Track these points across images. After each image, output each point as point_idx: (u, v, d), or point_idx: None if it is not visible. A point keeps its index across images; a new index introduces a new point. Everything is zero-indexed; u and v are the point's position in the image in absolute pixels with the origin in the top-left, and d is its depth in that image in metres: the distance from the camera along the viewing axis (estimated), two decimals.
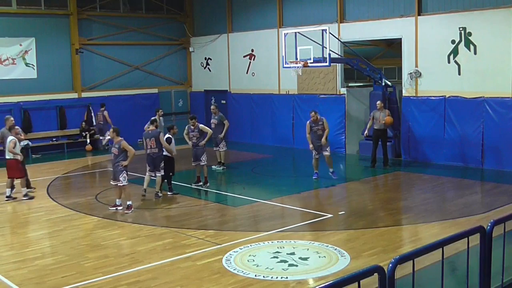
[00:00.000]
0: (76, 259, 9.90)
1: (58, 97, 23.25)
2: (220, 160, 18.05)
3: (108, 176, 17.90)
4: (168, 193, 14.71)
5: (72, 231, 11.81)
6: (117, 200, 13.25)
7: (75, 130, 23.46)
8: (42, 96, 22.85)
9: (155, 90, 26.06)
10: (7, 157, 14.39)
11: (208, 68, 26.42)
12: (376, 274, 4.84)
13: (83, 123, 23.29)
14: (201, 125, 15.70)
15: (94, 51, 24.38)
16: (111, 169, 13.68)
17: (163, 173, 14.41)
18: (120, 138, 13.07)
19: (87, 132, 23.06)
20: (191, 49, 26.92)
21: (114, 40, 24.91)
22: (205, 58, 26.42)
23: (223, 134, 17.72)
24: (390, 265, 4.96)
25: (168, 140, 14.49)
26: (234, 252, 9.96)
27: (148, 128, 14.89)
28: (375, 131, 17.73)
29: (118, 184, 13.08)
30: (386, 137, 17.93)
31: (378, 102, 17.88)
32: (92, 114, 23.46)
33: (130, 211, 12.97)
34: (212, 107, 18.57)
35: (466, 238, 5.94)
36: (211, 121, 18.13)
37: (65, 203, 14.15)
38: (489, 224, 6.19)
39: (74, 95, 23.83)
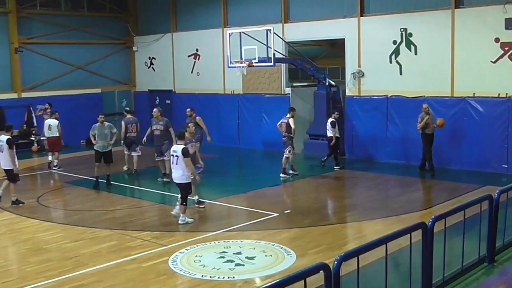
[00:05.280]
0: (17, 264, 9.67)
1: None
2: (165, 172, 16.13)
3: (50, 178, 17.60)
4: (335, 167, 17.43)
5: (13, 235, 11.50)
6: (195, 197, 12.98)
7: (15, 132, 22.76)
8: None
9: (98, 90, 25.62)
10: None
11: (152, 67, 26.16)
12: (322, 272, 4.90)
13: (24, 125, 22.65)
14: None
15: (34, 50, 23.79)
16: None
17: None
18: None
19: (33, 134, 22.50)
20: (134, 48, 26.58)
21: (55, 39, 24.33)
22: (149, 58, 26.15)
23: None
24: (335, 262, 5.02)
25: (333, 124, 17.25)
26: (180, 253, 9.90)
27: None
28: (428, 136, 16.29)
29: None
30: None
31: (425, 105, 16.43)
32: (33, 114, 22.81)
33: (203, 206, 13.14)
34: (157, 109, 16.53)
35: (409, 234, 6.07)
36: (155, 127, 16.15)
37: (5, 206, 13.74)
38: (430, 220, 6.35)
39: (13, 95, 23.20)
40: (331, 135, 17.38)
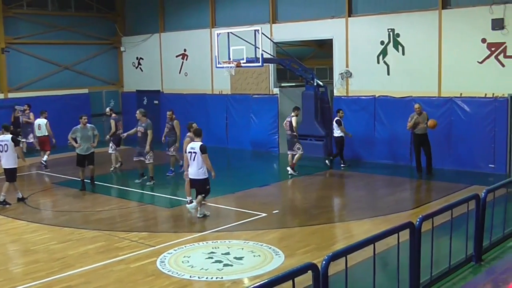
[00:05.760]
0: (4, 265, 9.60)
1: None
2: (150, 175, 15.92)
3: (38, 179, 17.49)
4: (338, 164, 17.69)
5: (0, 236, 11.42)
6: (189, 197, 12.99)
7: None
8: None
9: (86, 91, 25.49)
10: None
11: (140, 68, 26.08)
12: (310, 272, 4.90)
13: (11, 126, 22.39)
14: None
15: (21, 51, 23.63)
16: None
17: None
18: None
19: (20, 135, 22.31)
20: (122, 48, 26.49)
21: (42, 39, 24.19)
22: (137, 58, 26.07)
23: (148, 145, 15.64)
24: (324, 262, 5.03)
25: (338, 122, 17.43)
26: (169, 253, 9.88)
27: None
28: (418, 136, 16.25)
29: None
30: (429, 143, 16.34)
31: (417, 105, 16.30)
32: (19, 115, 22.61)
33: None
34: (139, 111, 16.23)
35: (397, 234, 6.09)
36: (138, 128, 15.95)
37: None
38: (418, 220, 6.37)
39: (0, 96, 23.05)
40: (338, 134, 17.60)
